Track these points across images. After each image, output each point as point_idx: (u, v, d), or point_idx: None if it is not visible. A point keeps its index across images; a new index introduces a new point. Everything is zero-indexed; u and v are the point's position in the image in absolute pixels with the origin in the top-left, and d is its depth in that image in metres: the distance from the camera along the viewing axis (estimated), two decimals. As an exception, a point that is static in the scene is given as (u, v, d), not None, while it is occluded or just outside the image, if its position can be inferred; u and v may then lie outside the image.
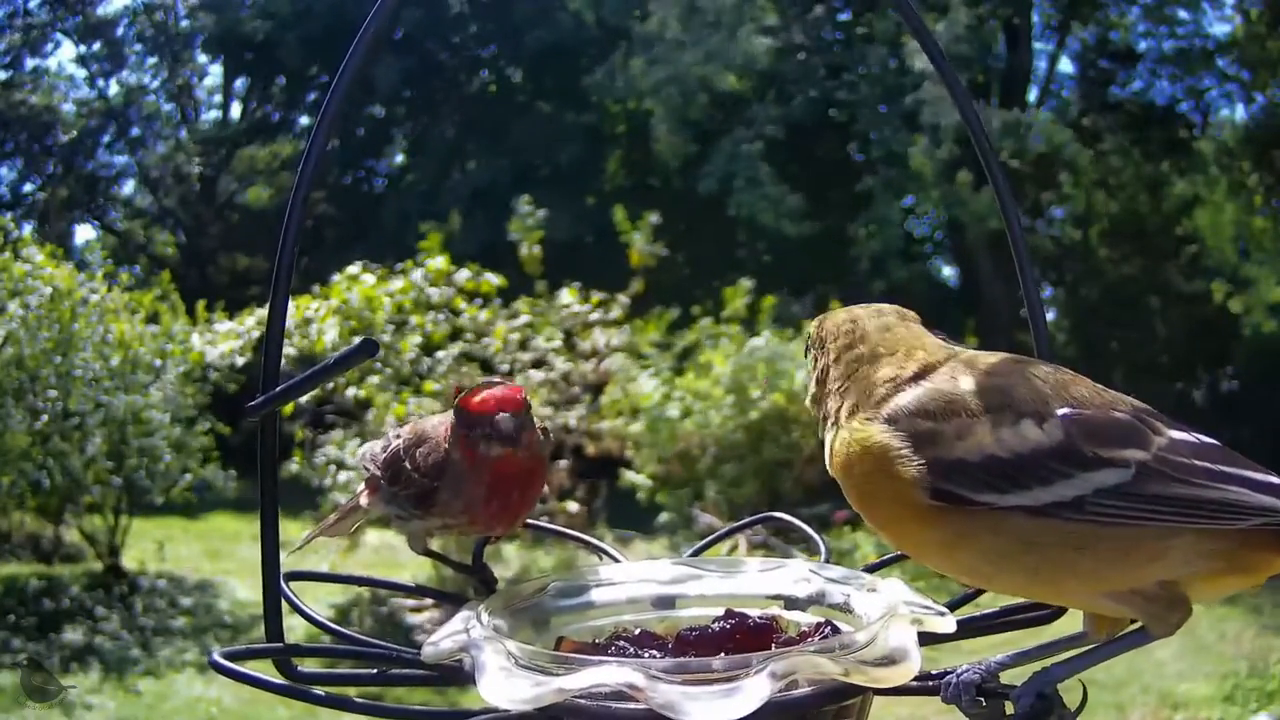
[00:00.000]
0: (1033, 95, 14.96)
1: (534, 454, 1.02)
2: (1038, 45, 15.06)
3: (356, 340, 0.92)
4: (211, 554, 8.92)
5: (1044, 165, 13.07)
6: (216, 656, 0.84)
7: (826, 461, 0.89)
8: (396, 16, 0.99)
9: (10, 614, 6.68)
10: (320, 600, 6.73)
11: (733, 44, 13.34)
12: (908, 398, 0.84)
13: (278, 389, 0.92)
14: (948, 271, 17.20)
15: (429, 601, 6.11)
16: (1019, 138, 12.21)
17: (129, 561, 8.08)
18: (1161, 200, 13.81)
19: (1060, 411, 0.80)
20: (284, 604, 0.95)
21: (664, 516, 8.65)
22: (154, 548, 8.42)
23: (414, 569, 7.89)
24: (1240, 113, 14.47)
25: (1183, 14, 13.97)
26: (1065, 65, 15.79)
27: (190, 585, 7.85)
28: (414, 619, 6.45)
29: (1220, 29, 14.40)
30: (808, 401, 0.96)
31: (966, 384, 0.84)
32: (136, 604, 7.12)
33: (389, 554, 8.67)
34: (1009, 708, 0.82)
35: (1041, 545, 0.78)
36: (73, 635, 6.32)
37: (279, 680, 0.87)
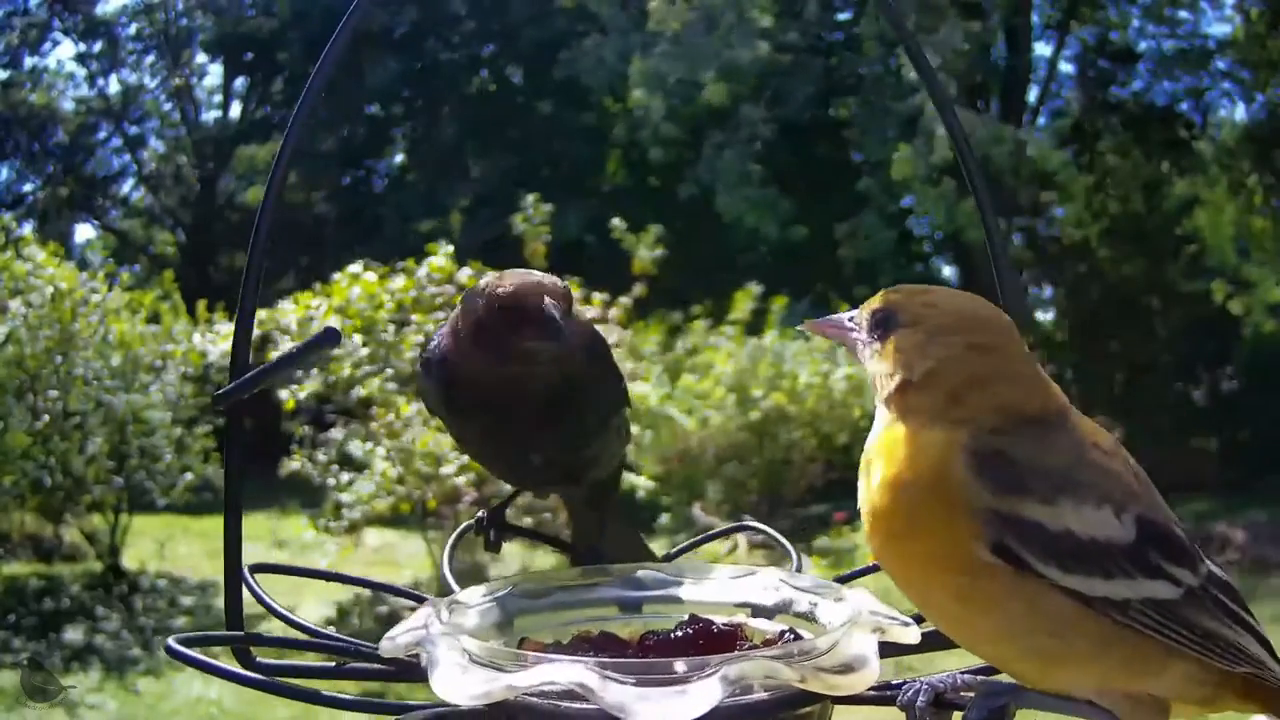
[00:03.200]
0: (1033, 95, 14.95)
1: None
2: (1038, 46, 15.06)
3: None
4: (211, 554, 8.92)
5: (1039, 179, 13.06)
6: (173, 642, 0.83)
7: (871, 457, 0.83)
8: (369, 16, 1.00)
9: (10, 614, 6.69)
10: (322, 599, 6.75)
11: (726, 50, 13.31)
12: (1015, 439, 0.79)
13: (241, 378, 0.92)
14: (948, 271, 17.19)
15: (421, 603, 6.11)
16: (1013, 156, 12.16)
17: (129, 561, 8.10)
18: (1161, 200, 13.79)
19: (1137, 511, 0.79)
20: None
21: (664, 517, 8.65)
22: (154, 548, 8.43)
23: (414, 569, 7.91)
24: (1240, 113, 14.45)
25: (1183, 14, 13.95)
26: (1065, 66, 15.78)
27: (190, 585, 7.86)
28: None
29: (1220, 29, 14.40)
30: (886, 385, 0.84)
31: (1072, 447, 0.80)
32: (137, 604, 7.13)
33: (389, 553, 8.68)
34: (956, 718, 0.82)
35: (1071, 633, 0.76)
36: (73, 635, 6.33)
37: (230, 668, 0.86)
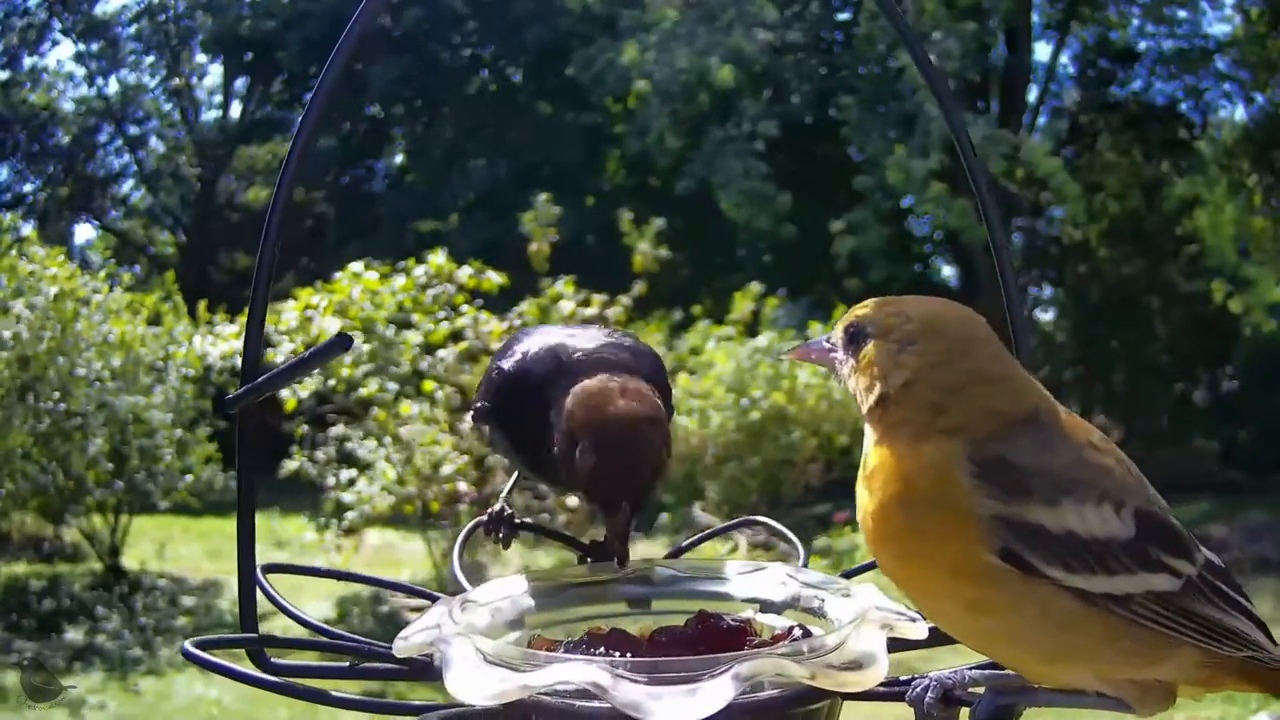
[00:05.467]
0: (1033, 95, 14.96)
1: None
2: (1038, 46, 15.07)
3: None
4: (212, 554, 8.95)
5: (1034, 182, 13.05)
6: (189, 646, 0.84)
7: (868, 474, 0.81)
8: (376, 14, 0.99)
9: (11, 614, 6.70)
10: (321, 597, 6.75)
11: (728, 38, 13.32)
12: (1011, 443, 0.78)
13: (253, 383, 0.92)
14: (947, 271, 17.19)
15: (428, 601, 6.12)
16: (1010, 160, 12.15)
17: (130, 561, 8.11)
18: (1161, 200, 13.80)
19: (1135, 505, 0.79)
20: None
21: (664, 517, 8.66)
22: (154, 548, 8.45)
23: (413, 569, 7.92)
24: (1240, 113, 14.44)
25: (1183, 14, 13.96)
26: (1065, 65, 15.78)
27: (191, 585, 7.88)
28: (414, 617, 6.47)
29: (1220, 29, 14.40)
30: (866, 400, 0.83)
31: (1068, 447, 0.80)
32: (137, 604, 7.14)
33: (389, 553, 8.70)
34: (964, 715, 0.82)
35: (1078, 630, 0.77)
36: (74, 635, 6.34)
37: (247, 670, 0.87)
